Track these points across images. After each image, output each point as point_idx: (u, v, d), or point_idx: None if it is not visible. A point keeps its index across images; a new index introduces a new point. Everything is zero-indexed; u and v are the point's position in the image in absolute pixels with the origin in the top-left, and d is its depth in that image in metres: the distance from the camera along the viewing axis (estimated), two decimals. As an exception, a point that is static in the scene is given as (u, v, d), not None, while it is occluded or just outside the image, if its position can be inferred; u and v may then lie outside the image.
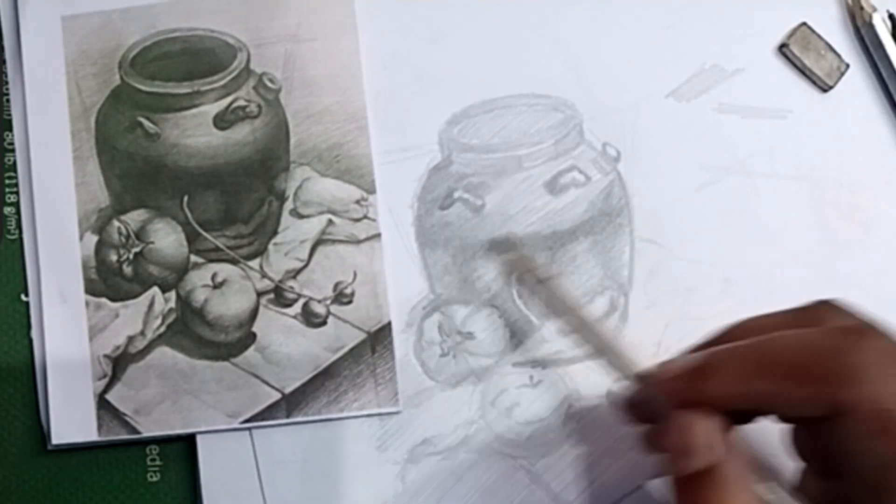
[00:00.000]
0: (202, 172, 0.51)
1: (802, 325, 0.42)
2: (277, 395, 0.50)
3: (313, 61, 0.52)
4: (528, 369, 0.51)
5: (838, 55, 0.54)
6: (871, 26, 0.54)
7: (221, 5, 0.52)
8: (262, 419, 0.50)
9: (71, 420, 0.49)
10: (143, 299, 0.50)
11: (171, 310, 0.50)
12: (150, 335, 0.50)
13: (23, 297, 0.51)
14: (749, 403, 0.42)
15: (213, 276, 0.51)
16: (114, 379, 0.50)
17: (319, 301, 0.51)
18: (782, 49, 0.54)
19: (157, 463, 0.50)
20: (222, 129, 0.52)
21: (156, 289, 0.51)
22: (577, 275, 0.52)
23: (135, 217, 0.51)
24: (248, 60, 0.52)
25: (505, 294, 0.52)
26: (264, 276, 0.51)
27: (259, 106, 0.52)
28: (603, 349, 0.47)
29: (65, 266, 0.50)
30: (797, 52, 0.54)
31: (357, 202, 0.52)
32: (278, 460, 0.50)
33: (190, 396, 0.50)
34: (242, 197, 0.51)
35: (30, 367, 0.50)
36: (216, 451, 0.50)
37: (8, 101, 0.52)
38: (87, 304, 0.50)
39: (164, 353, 0.50)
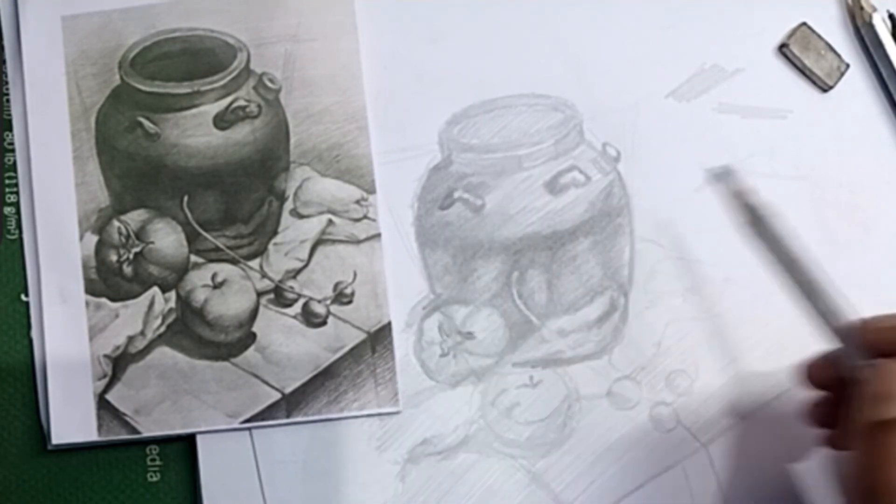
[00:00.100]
0: (202, 172, 0.51)
1: None
2: (277, 395, 0.50)
3: (313, 61, 0.52)
4: (528, 369, 0.51)
5: (838, 55, 0.54)
6: (871, 26, 0.54)
7: (221, 5, 0.52)
8: (262, 419, 0.50)
9: (71, 420, 0.49)
10: (143, 299, 0.50)
11: (171, 310, 0.50)
12: (150, 335, 0.50)
13: (23, 297, 0.51)
14: None
15: (213, 276, 0.51)
16: (114, 379, 0.50)
17: (319, 301, 0.51)
18: (782, 49, 0.54)
19: (157, 463, 0.50)
20: (222, 129, 0.52)
21: (156, 289, 0.51)
22: (577, 275, 0.52)
23: (135, 217, 0.51)
24: (248, 60, 0.52)
25: (505, 294, 0.52)
26: (264, 276, 0.51)
27: (259, 106, 0.52)
28: (810, 293, 0.46)
29: (65, 266, 0.50)
30: (797, 52, 0.54)
31: (357, 202, 0.52)
32: (278, 460, 0.50)
33: (190, 396, 0.50)
34: (242, 197, 0.51)
35: (30, 367, 0.50)
36: (216, 451, 0.50)
37: (8, 101, 0.52)
38: (87, 304, 0.50)
39: (164, 353, 0.50)
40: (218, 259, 0.51)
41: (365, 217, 0.51)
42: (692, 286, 0.52)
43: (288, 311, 0.51)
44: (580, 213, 0.52)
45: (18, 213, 0.51)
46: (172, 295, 0.51)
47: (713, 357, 0.52)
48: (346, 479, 0.50)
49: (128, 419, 0.49)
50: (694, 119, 0.53)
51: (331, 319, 0.51)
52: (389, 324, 0.51)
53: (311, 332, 0.50)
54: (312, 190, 0.52)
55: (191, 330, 0.50)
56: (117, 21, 0.52)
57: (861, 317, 0.45)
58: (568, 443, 0.51)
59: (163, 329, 0.50)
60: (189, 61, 0.52)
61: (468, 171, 0.52)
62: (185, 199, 0.51)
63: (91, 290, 0.50)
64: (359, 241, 0.51)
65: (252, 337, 0.50)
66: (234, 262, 0.51)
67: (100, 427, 0.49)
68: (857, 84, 0.54)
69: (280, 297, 0.51)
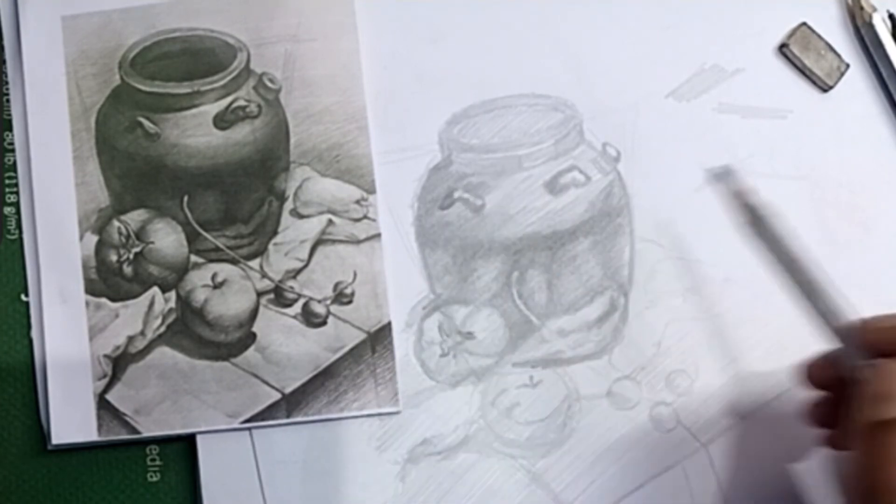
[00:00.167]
0: (202, 172, 0.51)
1: None
2: (277, 395, 0.50)
3: (313, 61, 0.52)
4: (528, 369, 0.51)
5: (838, 55, 0.54)
6: (871, 26, 0.54)
7: (221, 5, 0.52)
8: (262, 419, 0.50)
9: (71, 420, 0.49)
10: (143, 299, 0.50)
11: (171, 310, 0.50)
12: (150, 335, 0.50)
13: (23, 297, 0.51)
14: None
15: (213, 276, 0.51)
16: (114, 379, 0.50)
17: (319, 301, 0.51)
18: (782, 49, 0.54)
19: (157, 463, 0.50)
20: (222, 129, 0.52)
21: (156, 289, 0.51)
22: (577, 275, 0.52)
23: (135, 217, 0.51)
24: (248, 60, 0.52)
25: (505, 294, 0.52)
26: (264, 276, 0.51)
27: (259, 106, 0.52)
28: (810, 293, 0.46)
29: (65, 266, 0.50)
30: (797, 52, 0.54)
31: (357, 202, 0.52)
32: (278, 460, 0.50)
33: (190, 396, 0.50)
34: (242, 197, 0.51)
35: (30, 367, 0.50)
36: (216, 451, 0.50)
37: (8, 101, 0.52)
38: (87, 304, 0.50)
39: (164, 353, 0.50)
40: (218, 259, 0.51)
41: (365, 217, 0.51)
42: (692, 286, 0.52)
43: (288, 311, 0.51)
44: (580, 213, 0.52)
45: (18, 213, 0.51)
46: (172, 295, 0.51)
47: (713, 357, 0.52)
48: (346, 479, 0.50)
49: (128, 419, 0.49)
50: (694, 119, 0.53)
51: (331, 319, 0.51)
52: (389, 324, 0.51)
53: (311, 332, 0.50)
54: (312, 190, 0.52)
55: (191, 330, 0.50)
56: (117, 21, 0.52)
57: (861, 317, 0.45)
58: (568, 443, 0.51)
59: (163, 329, 0.50)
60: (189, 61, 0.52)
61: (468, 171, 0.52)
62: (185, 199, 0.51)
63: (91, 290, 0.50)
64: (359, 241, 0.51)
65: (252, 337, 0.50)
66: (234, 262, 0.51)
67: (100, 427, 0.49)
68: (857, 84, 0.54)
69: (280, 297, 0.51)
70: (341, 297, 0.51)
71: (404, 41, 0.53)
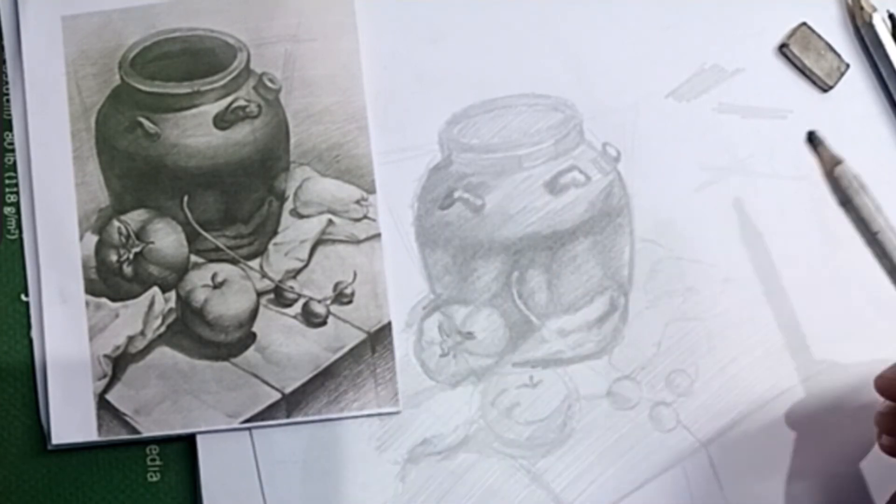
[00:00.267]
0: (202, 172, 0.51)
1: None
2: (277, 395, 0.50)
3: (313, 61, 0.52)
4: (528, 369, 0.51)
5: (838, 55, 0.54)
6: (871, 26, 0.54)
7: (221, 5, 0.52)
8: (262, 419, 0.50)
9: (71, 420, 0.49)
10: (143, 299, 0.50)
11: (171, 310, 0.50)
12: (150, 335, 0.50)
13: (23, 297, 0.51)
14: None
15: (213, 276, 0.51)
16: (114, 379, 0.50)
17: (319, 301, 0.51)
18: (782, 49, 0.54)
19: (157, 463, 0.50)
20: (222, 129, 0.52)
21: (156, 289, 0.51)
22: (577, 275, 0.52)
23: (135, 217, 0.51)
24: (248, 60, 0.52)
25: (505, 294, 0.52)
26: (264, 276, 0.51)
27: (259, 106, 0.52)
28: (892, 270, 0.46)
29: (65, 266, 0.50)
30: (797, 52, 0.54)
31: (357, 202, 0.52)
32: (278, 460, 0.50)
33: (190, 396, 0.50)
34: (242, 197, 0.51)
35: (30, 367, 0.50)
36: (216, 451, 0.50)
37: (8, 101, 0.52)
38: (87, 304, 0.50)
39: (164, 353, 0.50)
40: (218, 259, 0.51)
41: (365, 217, 0.51)
42: (692, 286, 0.52)
43: (288, 311, 0.51)
44: (580, 213, 0.52)
45: (18, 213, 0.51)
46: (172, 295, 0.51)
47: (713, 357, 0.52)
48: (346, 479, 0.50)
49: (128, 419, 0.49)
50: (694, 119, 0.53)
51: (331, 319, 0.51)
52: (389, 324, 0.51)
53: (311, 332, 0.50)
54: (312, 190, 0.52)
55: (191, 330, 0.50)
56: (117, 21, 0.52)
57: None
58: (568, 443, 0.51)
59: (163, 329, 0.50)
60: (189, 61, 0.52)
61: (468, 171, 0.52)
62: (185, 199, 0.51)
63: (91, 290, 0.50)
64: (359, 241, 0.51)
65: (252, 337, 0.50)
66: (234, 262, 0.51)
67: (100, 427, 0.49)
68: (857, 84, 0.54)
69: (280, 297, 0.51)
70: (341, 297, 0.51)
71: (404, 41, 0.53)
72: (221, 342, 0.50)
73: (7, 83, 0.52)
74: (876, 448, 0.50)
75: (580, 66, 0.53)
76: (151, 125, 0.52)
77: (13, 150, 0.52)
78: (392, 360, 0.50)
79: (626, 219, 0.52)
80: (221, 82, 0.52)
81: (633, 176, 0.53)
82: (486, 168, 0.52)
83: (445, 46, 0.53)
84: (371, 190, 0.52)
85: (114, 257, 0.51)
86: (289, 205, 0.51)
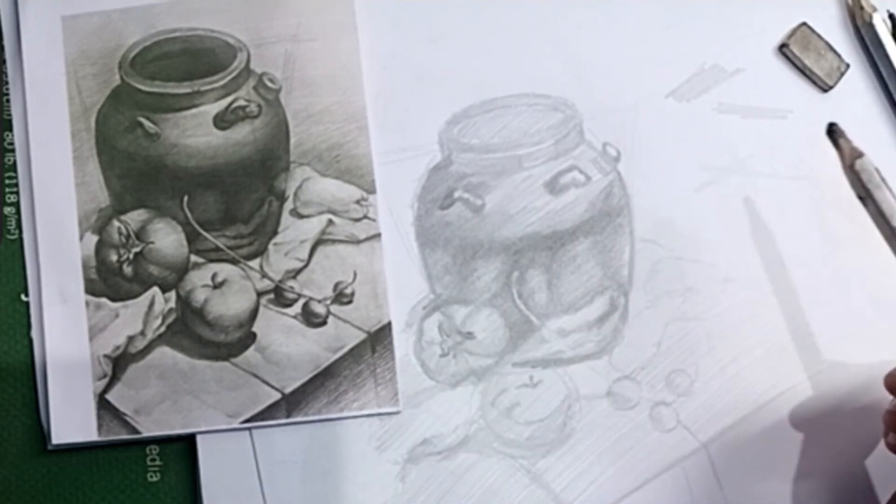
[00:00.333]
0: (202, 172, 0.51)
1: None
2: (277, 395, 0.50)
3: (313, 61, 0.52)
4: (528, 369, 0.51)
5: (838, 55, 0.54)
6: (871, 26, 0.54)
7: (221, 5, 0.52)
8: (262, 419, 0.50)
9: (71, 420, 0.49)
10: (143, 299, 0.50)
11: (171, 310, 0.50)
12: (150, 335, 0.50)
13: (23, 297, 0.51)
14: None
15: (213, 276, 0.51)
16: (114, 379, 0.50)
17: (319, 301, 0.51)
18: (782, 49, 0.54)
19: (157, 463, 0.50)
20: (222, 129, 0.52)
21: (156, 289, 0.51)
22: (577, 275, 0.52)
23: (135, 217, 0.51)
24: (248, 60, 0.52)
25: (505, 294, 0.52)
26: (264, 276, 0.51)
27: (259, 106, 0.52)
28: None
29: (65, 266, 0.50)
30: (797, 52, 0.54)
31: (357, 202, 0.52)
32: (278, 460, 0.50)
33: (190, 396, 0.50)
34: (242, 197, 0.51)
35: (30, 367, 0.50)
36: (216, 451, 0.50)
37: (8, 101, 0.52)
38: (87, 304, 0.50)
39: (164, 353, 0.50)
40: (218, 259, 0.51)
41: (365, 217, 0.51)
42: (692, 286, 0.52)
43: (288, 311, 0.51)
44: (580, 213, 0.52)
45: (18, 213, 0.51)
46: (172, 295, 0.51)
47: (713, 357, 0.52)
48: (346, 479, 0.50)
49: (128, 419, 0.49)
50: (694, 119, 0.53)
51: (331, 319, 0.51)
52: (389, 324, 0.51)
53: (311, 332, 0.50)
54: (312, 190, 0.52)
55: (191, 330, 0.50)
56: (117, 21, 0.52)
57: None
58: (568, 443, 0.51)
59: (163, 329, 0.50)
60: (189, 61, 0.52)
61: (468, 171, 0.52)
62: (185, 199, 0.51)
63: (91, 290, 0.50)
64: (359, 241, 0.51)
65: (252, 337, 0.50)
66: (234, 262, 0.51)
67: (100, 427, 0.49)
68: (857, 84, 0.54)
69: (280, 297, 0.51)
70: (341, 297, 0.51)
71: (404, 41, 0.53)
72: (221, 342, 0.50)
73: (7, 83, 0.52)
74: (879, 448, 0.50)
75: (580, 66, 0.53)
76: (151, 125, 0.52)
77: (13, 150, 0.52)
78: (392, 360, 0.50)
79: (626, 219, 0.52)
80: (221, 82, 0.52)
81: (633, 176, 0.53)
82: (486, 168, 0.52)
83: (445, 46, 0.53)
84: (371, 190, 0.52)
85: (114, 257, 0.51)
86: (289, 205, 0.51)
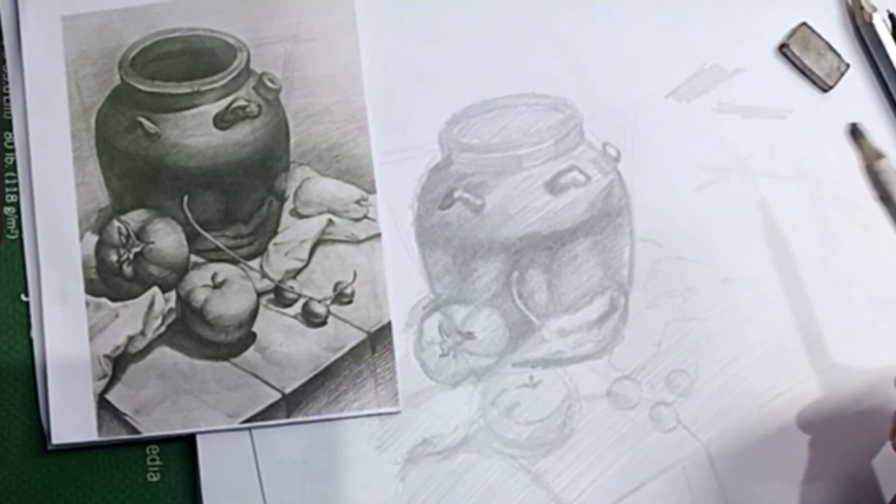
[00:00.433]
0: (202, 172, 0.51)
1: None
2: (277, 395, 0.50)
3: (313, 61, 0.52)
4: (528, 369, 0.51)
5: (838, 55, 0.54)
6: (871, 26, 0.54)
7: (221, 5, 0.52)
8: (262, 419, 0.50)
9: (71, 420, 0.49)
10: (143, 299, 0.50)
11: (171, 310, 0.50)
12: (150, 335, 0.50)
13: (23, 297, 0.51)
14: None
15: (213, 276, 0.51)
16: (114, 379, 0.50)
17: (319, 301, 0.51)
18: (782, 49, 0.54)
19: (157, 463, 0.50)
20: (222, 129, 0.52)
21: (156, 289, 0.51)
22: (577, 275, 0.52)
23: (135, 217, 0.51)
24: (248, 60, 0.52)
25: (505, 294, 0.52)
26: (264, 276, 0.51)
27: (259, 106, 0.52)
28: None
29: (65, 266, 0.50)
30: (797, 52, 0.54)
31: (357, 202, 0.52)
32: (278, 460, 0.50)
33: (190, 396, 0.50)
34: (242, 197, 0.51)
35: (30, 367, 0.50)
36: (216, 451, 0.50)
37: (8, 101, 0.52)
38: (87, 304, 0.50)
39: (164, 353, 0.50)
40: (218, 259, 0.51)
41: (365, 217, 0.51)
42: (692, 286, 0.52)
43: (288, 311, 0.51)
44: (580, 213, 0.52)
45: (18, 213, 0.51)
46: (172, 295, 0.51)
47: (713, 357, 0.52)
48: (346, 479, 0.50)
49: (128, 419, 0.49)
50: (694, 119, 0.53)
51: (331, 319, 0.51)
52: (389, 324, 0.51)
53: (311, 332, 0.50)
54: (312, 190, 0.52)
55: (191, 330, 0.50)
56: (117, 21, 0.52)
57: None
58: (568, 443, 0.51)
59: (163, 329, 0.50)
60: (189, 61, 0.52)
61: (468, 171, 0.52)
62: (185, 199, 0.51)
63: (91, 290, 0.50)
64: (359, 241, 0.51)
65: (252, 337, 0.50)
66: (234, 262, 0.51)
67: (100, 427, 0.49)
68: (857, 84, 0.54)
69: (280, 297, 0.51)
70: (341, 297, 0.51)
71: (404, 41, 0.53)
72: (221, 342, 0.50)
73: (7, 83, 0.52)
74: (885, 449, 0.50)
75: (580, 66, 0.53)
76: (151, 125, 0.52)
77: (13, 150, 0.52)
78: (392, 360, 0.50)
79: (626, 219, 0.52)
80: (221, 82, 0.52)
81: (633, 176, 0.53)
82: (486, 168, 0.52)
83: (445, 46, 0.53)
84: (371, 190, 0.52)
85: (114, 257, 0.51)
86: (289, 205, 0.51)
